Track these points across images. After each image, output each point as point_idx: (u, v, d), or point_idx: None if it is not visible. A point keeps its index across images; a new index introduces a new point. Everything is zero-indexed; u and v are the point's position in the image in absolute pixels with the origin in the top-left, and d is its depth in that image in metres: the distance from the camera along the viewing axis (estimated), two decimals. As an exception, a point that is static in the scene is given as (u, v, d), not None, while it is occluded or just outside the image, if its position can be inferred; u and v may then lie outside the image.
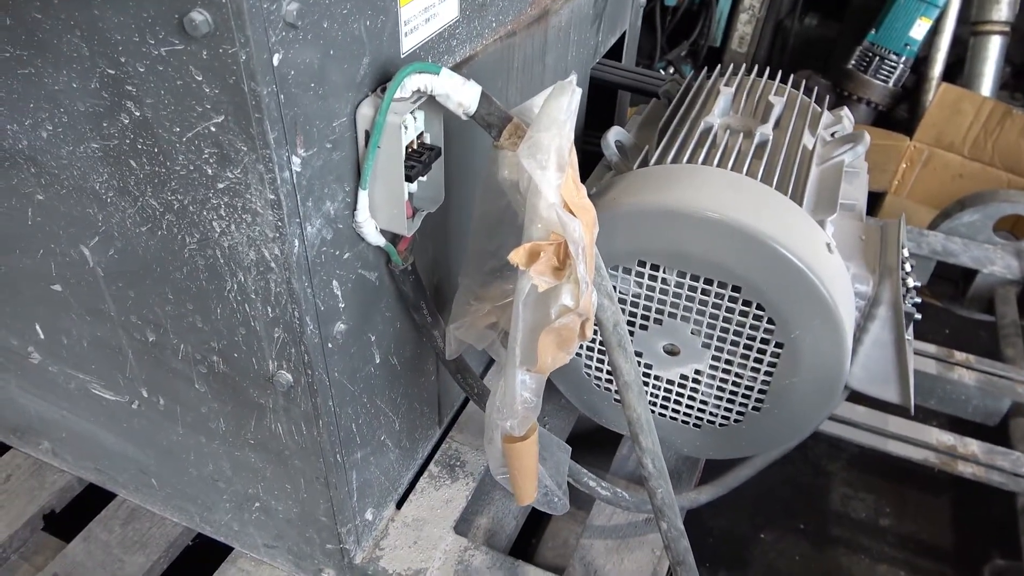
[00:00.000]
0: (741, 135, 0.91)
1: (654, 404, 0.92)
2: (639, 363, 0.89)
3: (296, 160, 0.54)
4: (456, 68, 0.73)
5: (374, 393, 0.78)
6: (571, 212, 0.53)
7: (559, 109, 0.53)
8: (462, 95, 0.58)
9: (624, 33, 1.33)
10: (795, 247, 0.75)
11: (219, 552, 0.97)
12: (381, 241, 0.66)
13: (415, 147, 0.62)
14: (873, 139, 1.95)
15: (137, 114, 0.54)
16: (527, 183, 0.54)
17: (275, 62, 0.49)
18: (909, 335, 0.89)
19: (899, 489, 1.27)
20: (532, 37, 0.90)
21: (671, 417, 0.93)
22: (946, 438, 1.01)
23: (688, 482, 1.04)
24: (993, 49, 1.88)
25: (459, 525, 0.91)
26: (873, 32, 1.97)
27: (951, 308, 1.47)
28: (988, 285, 1.38)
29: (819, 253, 0.78)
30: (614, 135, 0.94)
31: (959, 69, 1.99)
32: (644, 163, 0.87)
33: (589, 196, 0.85)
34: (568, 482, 0.87)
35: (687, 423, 0.92)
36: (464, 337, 0.72)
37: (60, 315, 0.77)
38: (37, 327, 0.81)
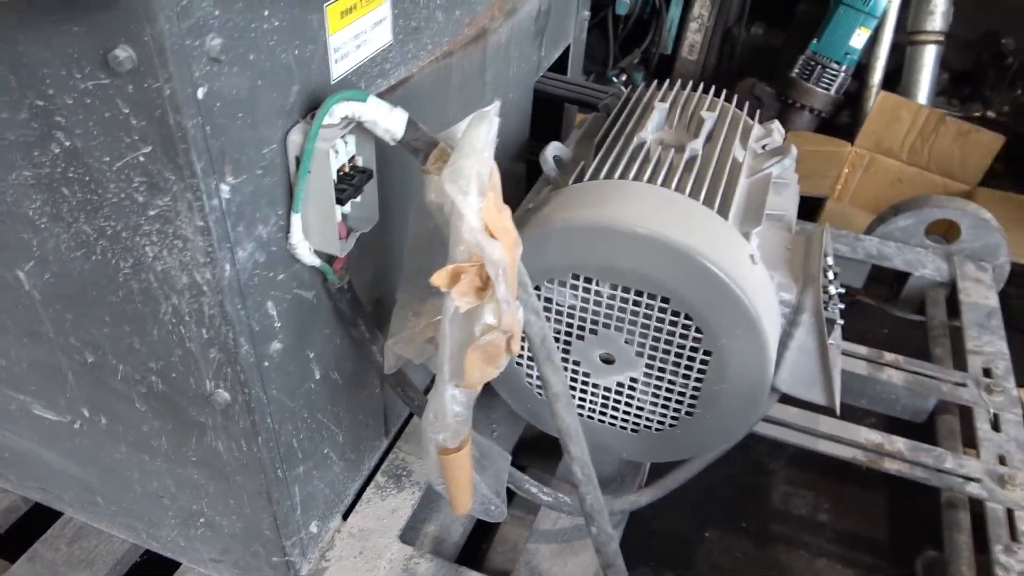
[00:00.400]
0: (673, 150, 0.94)
1: (593, 411, 0.95)
2: (577, 371, 0.92)
3: (224, 188, 0.56)
4: (391, 90, 0.75)
5: (315, 408, 0.80)
6: (492, 235, 0.56)
7: (479, 137, 0.55)
8: (389, 122, 0.60)
9: (569, 47, 1.37)
10: (719, 260, 0.78)
11: (167, 567, 0.97)
12: (316, 261, 0.67)
13: (347, 170, 0.64)
14: (815, 145, 2.01)
15: (67, 144, 0.55)
16: (450, 207, 0.56)
17: (200, 95, 0.51)
18: (835, 339, 0.94)
19: (837, 486, 1.32)
20: (470, 56, 0.92)
21: (610, 423, 0.96)
22: (874, 436, 1.06)
23: (631, 485, 1.07)
24: (928, 58, 1.96)
25: (405, 534, 0.93)
26: (815, 42, 2.03)
27: (886, 309, 1.53)
28: (920, 287, 1.44)
29: (743, 265, 0.82)
30: (552, 150, 0.97)
31: (899, 75, 2.06)
32: (579, 178, 0.90)
33: (527, 210, 0.88)
34: (510, 488, 0.89)
35: (625, 428, 0.95)
36: (402, 352, 0.74)
37: (-4, 331, 0.77)
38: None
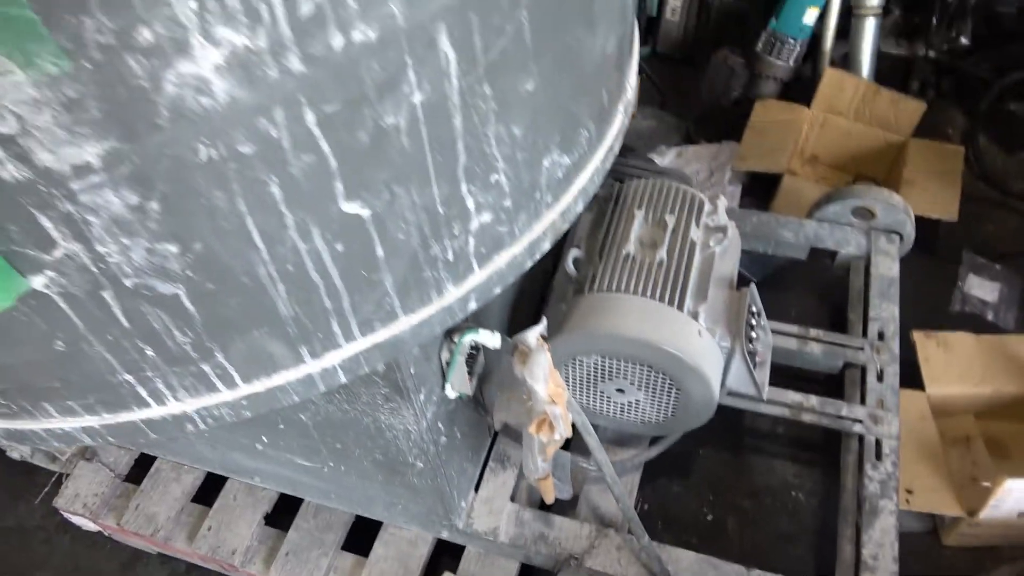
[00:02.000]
0: (647, 253, 1.48)
1: (619, 414, 1.56)
2: (605, 396, 1.52)
3: (421, 396, 1.14)
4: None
5: (460, 450, 1.42)
6: (553, 400, 1.14)
7: (540, 360, 1.12)
8: (491, 341, 1.17)
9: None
10: (675, 344, 1.35)
11: (375, 523, 1.65)
12: (457, 395, 1.26)
13: (471, 352, 1.22)
14: (778, 114, 2.48)
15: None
16: (530, 387, 1.14)
17: (411, 371, 1.08)
18: (766, 345, 1.51)
19: (788, 409, 1.93)
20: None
21: (628, 420, 1.57)
22: (796, 397, 1.65)
23: (645, 442, 1.70)
24: (869, 28, 2.34)
25: (513, 496, 1.58)
26: (774, 20, 2.41)
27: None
28: (847, 259, 1.97)
29: (692, 339, 1.38)
30: (571, 255, 1.52)
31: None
32: (591, 286, 1.45)
33: (563, 314, 1.45)
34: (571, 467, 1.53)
35: (637, 422, 1.56)
36: (502, 419, 1.35)
37: (279, 434, 1.40)
38: (263, 437, 1.44)
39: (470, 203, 0.91)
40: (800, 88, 2.54)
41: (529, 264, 1.06)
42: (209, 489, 1.77)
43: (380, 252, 0.85)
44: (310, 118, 0.70)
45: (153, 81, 0.61)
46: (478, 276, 1.00)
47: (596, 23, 0.98)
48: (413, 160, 0.80)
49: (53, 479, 1.86)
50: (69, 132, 0.62)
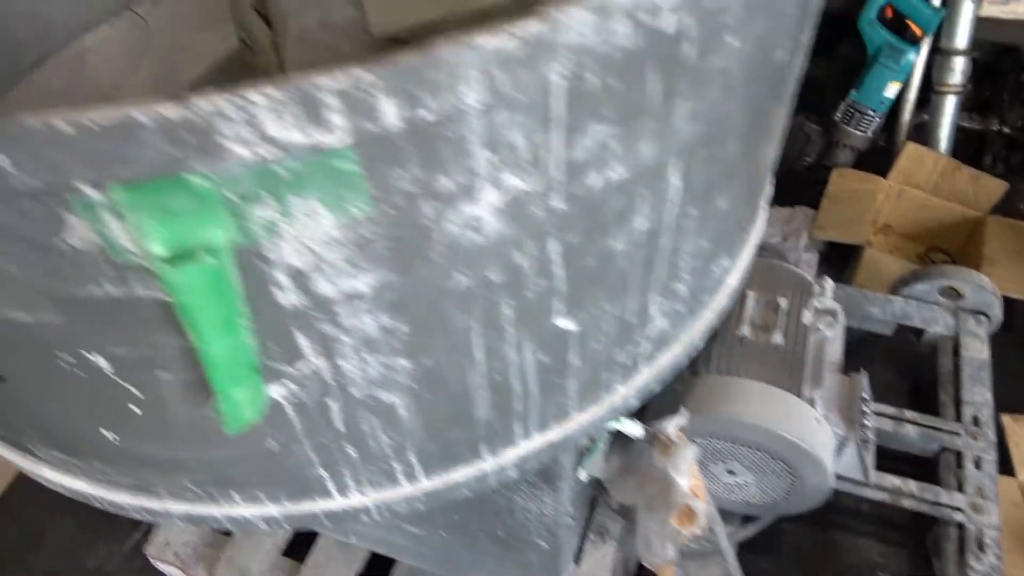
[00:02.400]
0: (760, 335, 1.50)
1: (726, 495, 1.57)
2: (715, 476, 1.53)
3: (564, 484, 1.16)
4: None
5: (574, 527, 1.42)
6: (695, 494, 1.15)
7: (685, 455, 1.13)
8: (633, 431, 1.18)
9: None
10: (794, 431, 1.36)
11: (468, 590, 1.65)
12: (588, 477, 1.28)
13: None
14: (855, 184, 2.50)
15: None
16: (670, 478, 1.15)
17: (566, 465, 1.10)
18: (871, 432, 1.52)
19: (873, 486, 1.93)
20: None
21: (733, 500, 1.57)
22: (896, 481, 1.65)
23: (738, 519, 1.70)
24: (949, 105, 2.37)
25: (613, 571, 1.58)
26: (855, 91, 2.44)
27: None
28: (934, 339, 1.98)
29: (810, 427, 1.39)
30: (684, 335, 1.53)
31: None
32: (707, 365, 1.47)
33: (675, 393, 1.46)
34: (675, 546, 1.53)
35: (743, 503, 1.57)
36: (619, 499, 1.35)
37: (397, 504, 1.41)
38: (377, 504, 1.45)
39: (654, 310, 0.93)
40: (874, 157, 2.57)
41: (685, 362, 1.08)
42: (299, 543, 1.78)
43: (575, 361, 0.87)
44: (553, 248, 0.73)
45: (438, 222, 0.64)
46: (644, 376, 1.02)
47: (772, 138, 1.01)
48: (623, 278, 0.83)
49: (142, 526, 1.87)
50: (353, 266, 0.64)
